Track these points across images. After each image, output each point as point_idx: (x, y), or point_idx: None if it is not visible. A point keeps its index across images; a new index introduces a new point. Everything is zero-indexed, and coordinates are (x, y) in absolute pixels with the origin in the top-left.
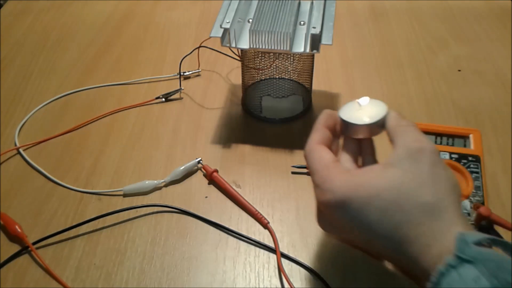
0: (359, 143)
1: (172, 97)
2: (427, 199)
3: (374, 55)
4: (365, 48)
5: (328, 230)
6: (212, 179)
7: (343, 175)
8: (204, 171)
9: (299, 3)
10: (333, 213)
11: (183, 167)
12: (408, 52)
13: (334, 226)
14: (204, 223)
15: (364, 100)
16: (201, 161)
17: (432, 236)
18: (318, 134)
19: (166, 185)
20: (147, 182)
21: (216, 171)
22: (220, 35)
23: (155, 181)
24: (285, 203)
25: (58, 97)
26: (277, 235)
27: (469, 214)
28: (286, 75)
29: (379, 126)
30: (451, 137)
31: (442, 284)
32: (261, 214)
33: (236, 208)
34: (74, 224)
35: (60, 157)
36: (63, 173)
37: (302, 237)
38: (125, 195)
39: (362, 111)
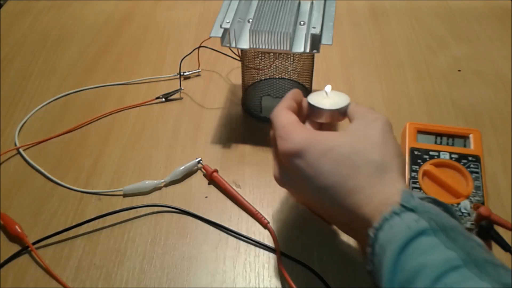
0: (320, 128)
1: (172, 97)
2: (376, 158)
3: (374, 55)
4: (365, 48)
5: (284, 184)
6: (212, 179)
7: (305, 130)
8: (204, 171)
9: (299, 3)
10: (291, 162)
11: (183, 167)
12: (408, 52)
13: (290, 179)
14: (204, 223)
15: (328, 87)
16: (201, 161)
17: (377, 188)
18: (287, 103)
19: (166, 185)
20: (147, 182)
21: (216, 171)
22: (220, 35)
23: (155, 181)
24: (285, 203)
25: (58, 97)
26: (277, 235)
27: (469, 214)
28: (286, 75)
29: (341, 113)
30: (451, 137)
31: (384, 228)
32: (261, 214)
33: (236, 208)
34: (74, 224)
35: (60, 157)
36: (63, 173)
37: (302, 237)
38: (125, 195)
39: (328, 99)
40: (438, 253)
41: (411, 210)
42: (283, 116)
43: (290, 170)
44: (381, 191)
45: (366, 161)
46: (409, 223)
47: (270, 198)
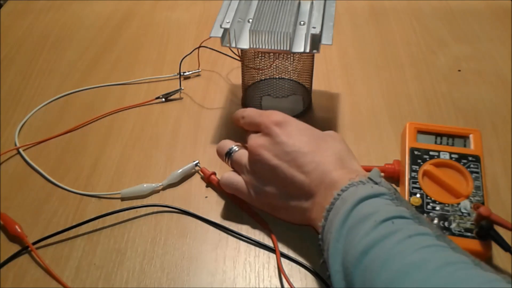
0: None
1: (172, 97)
2: (344, 146)
3: (374, 55)
4: (365, 48)
5: (255, 147)
6: (210, 182)
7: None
8: (202, 174)
9: (299, 3)
10: (272, 129)
11: (180, 170)
12: (408, 52)
13: (262, 144)
14: (204, 223)
15: None
16: (198, 164)
17: (346, 163)
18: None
19: (163, 189)
20: (145, 185)
21: (214, 173)
22: (220, 35)
23: (153, 184)
24: None
25: (58, 97)
26: (277, 235)
27: (469, 214)
28: (286, 75)
29: None
30: (451, 137)
31: (349, 190)
32: (260, 216)
33: (236, 208)
34: (74, 224)
35: (60, 157)
36: (62, 173)
37: (302, 237)
38: (123, 199)
39: None
40: (392, 206)
41: (376, 183)
42: (254, 108)
43: (270, 136)
44: (350, 166)
45: (337, 144)
46: (373, 186)
47: None
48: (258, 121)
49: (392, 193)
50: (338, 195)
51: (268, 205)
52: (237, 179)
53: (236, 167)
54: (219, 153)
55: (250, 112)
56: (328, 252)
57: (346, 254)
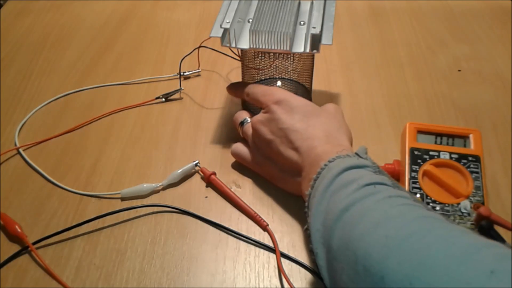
0: None
1: (172, 97)
2: (335, 123)
3: (374, 55)
4: (365, 48)
5: (256, 123)
6: (210, 182)
7: (283, 89)
8: (202, 174)
9: (299, 3)
10: (271, 107)
11: (180, 170)
12: (408, 52)
13: (262, 121)
14: (204, 223)
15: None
16: (198, 164)
17: (333, 140)
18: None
19: (163, 189)
20: (145, 185)
21: (214, 173)
22: (220, 35)
23: (153, 185)
24: (285, 203)
25: (58, 97)
26: (277, 235)
27: (469, 214)
28: (286, 75)
29: None
30: (451, 137)
31: (336, 160)
32: (260, 217)
33: (236, 208)
34: (74, 224)
35: (60, 157)
36: (62, 174)
37: (302, 237)
38: (123, 199)
39: None
40: (374, 175)
41: (361, 158)
42: (260, 85)
43: (269, 113)
44: (337, 142)
45: (328, 120)
46: (359, 159)
47: (270, 198)
48: (260, 100)
49: (375, 167)
50: (325, 165)
51: (268, 174)
52: (243, 150)
53: (245, 137)
54: (234, 122)
55: (255, 90)
56: (311, 214)
57: (327, 214)
